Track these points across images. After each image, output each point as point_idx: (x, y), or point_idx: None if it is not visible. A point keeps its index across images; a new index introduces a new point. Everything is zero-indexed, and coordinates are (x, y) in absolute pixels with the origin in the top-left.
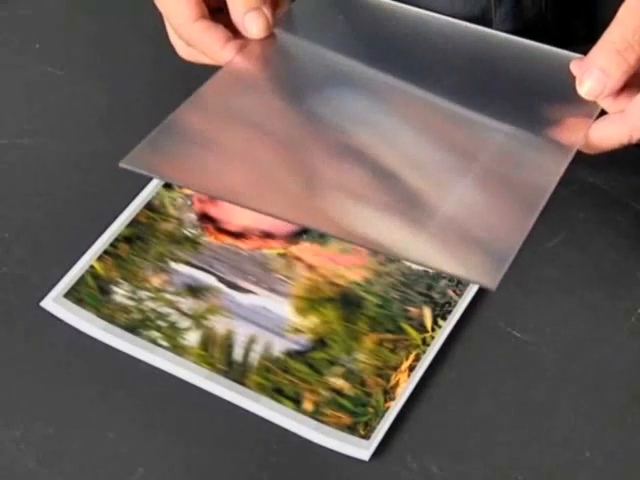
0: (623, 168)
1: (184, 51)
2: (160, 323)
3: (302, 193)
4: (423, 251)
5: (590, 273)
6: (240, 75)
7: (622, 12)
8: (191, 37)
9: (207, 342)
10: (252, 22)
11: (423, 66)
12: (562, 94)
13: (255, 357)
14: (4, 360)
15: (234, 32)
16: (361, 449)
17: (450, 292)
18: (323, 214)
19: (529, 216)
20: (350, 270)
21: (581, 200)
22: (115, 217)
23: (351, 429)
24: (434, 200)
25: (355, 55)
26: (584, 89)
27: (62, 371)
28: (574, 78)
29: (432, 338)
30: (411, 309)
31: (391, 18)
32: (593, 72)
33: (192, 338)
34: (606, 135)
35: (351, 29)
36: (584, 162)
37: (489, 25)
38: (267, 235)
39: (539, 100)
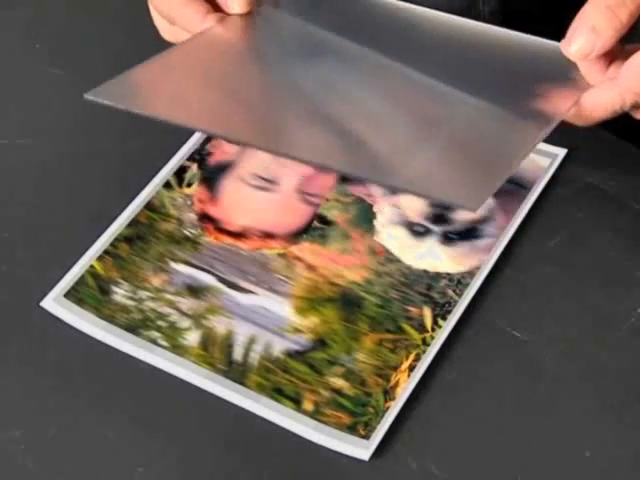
0: (623, 168)
1: (167, 31)
2: (160, 323)
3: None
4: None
5: (590, 273)
6: (215, 41)
7: None
8: (170, 11)
9: (207, 342)
10: None
11: (405, 47)
12: (550, 79)
13: (255, 357)
14: (4, 360)
15: (217, 9)
16: (361, 449)
17: (450, 292)
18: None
19: (499, 172)
20: (350, 270)
21: (581, 200)
22: (115, 217)
23: (351, 429)
24: (398, 164)
25: (337, 32)
26: (573, 48)
27: (62, 371)
28: (563, 66)
29: (432, 338)
30: (411, 309)
31: (377, 7)
32: (583, 30)
33: (192, 338)
34: (598, 102)
35: (336, 14)
36: (584, 162)
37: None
38: (267, 235)
39: (524, 81)
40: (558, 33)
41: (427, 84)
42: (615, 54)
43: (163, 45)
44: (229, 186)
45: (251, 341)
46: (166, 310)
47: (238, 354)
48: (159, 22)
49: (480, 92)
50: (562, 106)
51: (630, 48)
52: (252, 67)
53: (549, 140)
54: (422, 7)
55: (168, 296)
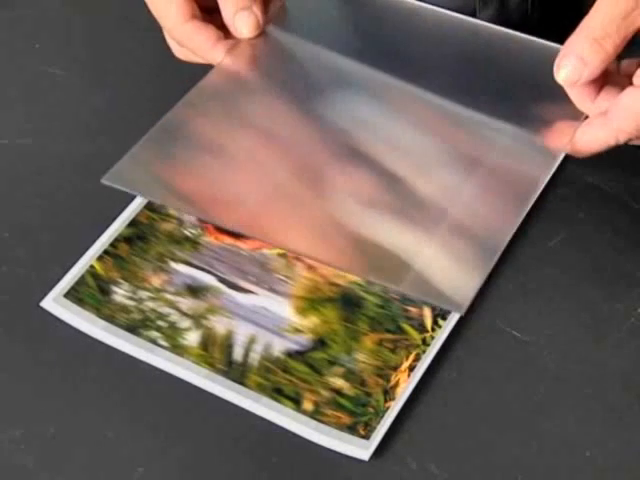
0: (623, 168)
1: (179, 52)
2: (160, 323)
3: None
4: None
5: (590, 273)
6: (231, 76)
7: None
8: (182, 38)
9: (207, 342)
10: (242, 22)
11: (418, 62)
12: (552, 90)
13: (255, 357)
14: (4, 360)
15: (227, 33)
16: (361, 449)
17: None
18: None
19: (511, 224)
20: None
21: (581, 200)
22: (115, 217)
23: (351, 429)
24: (443, 204)
25: (351, 53)
26: (561, 75)
27: (62, 371)
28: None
29: (432, 338)
30: (411, 309)
31: (384, 11)
32: (570, 59)
33: (192, 338)
34: (592, 139)
35: (344, 25)
36: (584, 162)
37: None
38: None
39: (531, 98)
40: (556, 41)
41: (447, 108)
42: (608, 75)
43: (163, 45)
44: None
45: (251, 341)
46: (166, 310)
47: (238, 354)
48: (170, 42)
49: (497, 115)
50: (562, 139)
51: (626, 67)
52: (278, 109)
53: None
54: (424, 5)
55: (168, 296)
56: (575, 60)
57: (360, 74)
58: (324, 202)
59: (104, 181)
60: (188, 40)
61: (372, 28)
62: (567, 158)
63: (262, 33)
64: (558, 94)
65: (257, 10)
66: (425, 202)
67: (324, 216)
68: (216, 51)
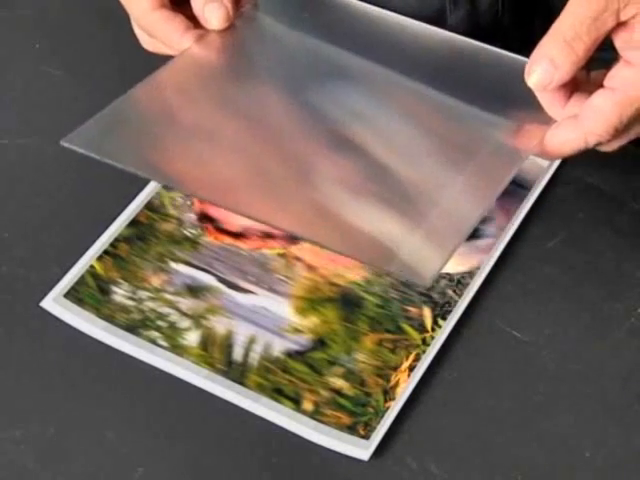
0: (623, 168)
1: (147, 42)
2: (160, 323)
3: (297, 189)
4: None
5: (590, 273)
6: (198, 62)
7: (573, 1)
8: (150, 26)
9: (207, 342)
10: (211, 13)
11: (398, 53)
12: (520, 100)
13: (255, 357)
14: (4, 360)
15: (197, 24)
16: (361, 449)
17: (450, 292)
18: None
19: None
20: (350, 270)
21: (581, 200)
22: (115, 217)
23: (351, 429)
24: (431, 195)
25: (335, 39)
26: (532, 79)
27: (62, 371)
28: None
29: (432, 338)
30: (411, 309)
31: (354, 17)
32: (542, 62)
33: (192, 338)
34: (561, 141)
35: (313, 27)
36: (584, 162)
37: (443, 28)
38: (267, 235)
39: (501, 106)
40: (526, 41)
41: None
42: (577, 83)
43: None
44: None
45: (251, 341)
46: (166, 310)
47: (238, 354)
48: (139, 33)
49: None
50: (530, 142)
51: (595, 76)
52: (257, 91)
53: None
54: (391, 13)
55: (168, 296)
56: (546, 63)
57: (343, 58)
58: (307, 186)
59: (63, 142)
60: (156, 29)
61: (338, 31)
62: (567, 158)
63: (232, 25)
64: (529, 102)
65: (227, 2)
66: (411, 191)
67: (308, 200)
68: (184, 40)
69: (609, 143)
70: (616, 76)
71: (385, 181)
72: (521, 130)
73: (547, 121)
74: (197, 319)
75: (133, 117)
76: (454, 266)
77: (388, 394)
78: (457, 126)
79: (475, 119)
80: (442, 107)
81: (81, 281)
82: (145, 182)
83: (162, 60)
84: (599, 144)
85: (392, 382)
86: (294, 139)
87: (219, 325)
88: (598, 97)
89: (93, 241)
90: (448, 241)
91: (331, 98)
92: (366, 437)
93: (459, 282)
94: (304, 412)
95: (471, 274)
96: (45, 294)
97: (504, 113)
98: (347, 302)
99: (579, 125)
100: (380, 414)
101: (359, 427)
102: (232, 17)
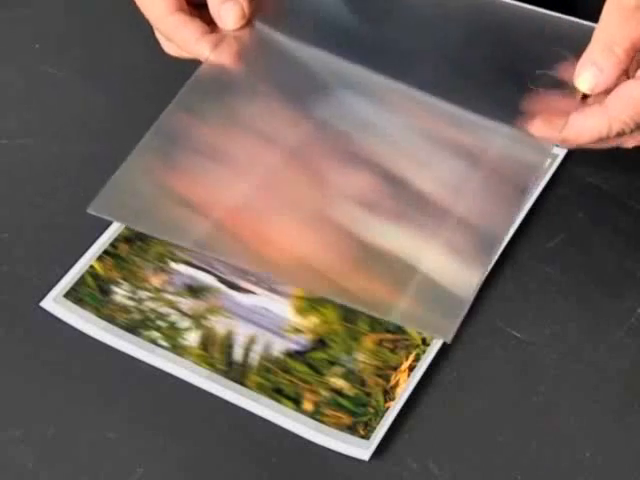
0: (623, 168)
1: (167, 46)
2: (160, 323)
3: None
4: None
5: (590, 273)
6: (218, 75)
7: (607, 6)
8: (167, 31)
9: (207, 342)
10: (227, 12)
11: (409, 56)
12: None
13: (255, 357)
14: (4, 360)
15: (215, 29)
16: (361, 449)
17: None
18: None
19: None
20: None
21: (581, 200)
22: None
23: (351, 429)
24: (445, 204)
25: (341, 51)
26: (579, 82)
27: (62, 371)
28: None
29: (432, 338)
30: None
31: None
32: (588, 67)
33: (192, 338)
34: (585, 127)
35: (330, 20)
36: (584, 162)
37: None
38: None
39: (522, 86)
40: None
41: (441, 107)
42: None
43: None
44: None
45: (251, 341)
46: (166, 310)
47: (238, 354)
48: (159, 37)
49: (492, 113)
50: (549, 134)
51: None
52: (269, 108)
53: None
54: None
55: (168, 296)
56: (592, 68)
57: (350, 71)
58: (324, 204)
59: (90, 211)
60: (173, 33)
61: (356, 21)
62: (567, 158)
63: (248, 26)
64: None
65: (243, 1)
66: (427, 203)
67: (324, 218)
68: (201, 45)
69: (631, 135)
70: None
71: (399, 193)
72: (542, 120)
73: (571, 106)
74: (197, 319)
75: (145, 180)
76: None
77: (388, 394)
78: (466, 127)
79: (485, 117)
80: (450, 112)
81: (81, 281)
82: None
83: (162, 60)
84: (622, 133)
85: (392, 382)
86: (306, 153)
87: (219, 325)
88: (627, 85)
89: (93, 241)
90: (483, 256)
91: (340, 110)
92: (366, 437)
93: None
94: (304, 412)
95: None
96: (45, 294)
97: (516, 111)
98: None
99: (604, 110)
100: (380, 414)
101: (359, 427)
102: (247, 15)
